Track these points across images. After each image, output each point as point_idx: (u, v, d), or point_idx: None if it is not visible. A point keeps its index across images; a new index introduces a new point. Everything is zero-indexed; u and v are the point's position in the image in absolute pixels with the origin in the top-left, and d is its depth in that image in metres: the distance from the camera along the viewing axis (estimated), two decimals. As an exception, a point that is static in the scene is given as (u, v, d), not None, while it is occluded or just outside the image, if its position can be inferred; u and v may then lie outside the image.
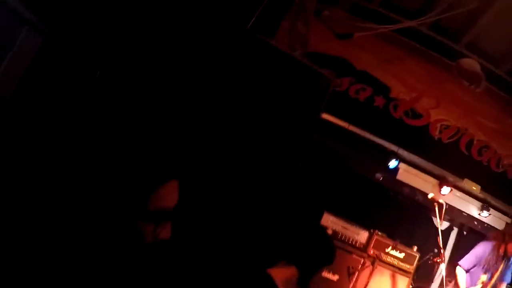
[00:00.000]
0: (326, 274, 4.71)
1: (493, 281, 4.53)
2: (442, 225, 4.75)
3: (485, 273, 4.61)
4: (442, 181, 5.96)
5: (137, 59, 2.69)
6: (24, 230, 1.42)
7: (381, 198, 5.96)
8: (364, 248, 4.92)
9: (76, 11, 2.59)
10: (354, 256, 4.87)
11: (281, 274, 2.35)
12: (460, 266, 4.72)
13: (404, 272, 4.98)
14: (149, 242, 1.37)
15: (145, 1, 2.76)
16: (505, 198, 6.10)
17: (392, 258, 4.96)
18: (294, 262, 2.40)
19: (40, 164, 2.31)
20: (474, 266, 4.66)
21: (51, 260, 1.32)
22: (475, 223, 6.19)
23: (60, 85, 2.50)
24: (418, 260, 5.05)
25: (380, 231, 5.00)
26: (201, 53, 2.88)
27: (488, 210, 6.12)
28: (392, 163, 5.84)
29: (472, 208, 6.22)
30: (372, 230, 4.99)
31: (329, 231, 4.82)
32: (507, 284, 4.66)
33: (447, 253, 5.92)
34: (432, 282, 5.77)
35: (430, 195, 4.91)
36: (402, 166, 5.97)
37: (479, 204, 6.20)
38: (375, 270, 4.85)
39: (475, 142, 6.04)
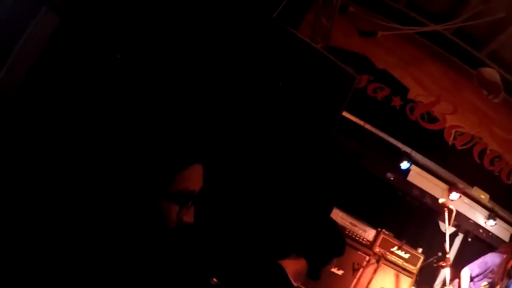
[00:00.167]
0: (331, 268, 4.73)
1: None
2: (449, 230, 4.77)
3: (488, 283, 4.62)
4: (452, 187, 5.98)
5: (161, 43, 2.63)
6: (39, 218, 1.41)
7: (390, 198, 5.98)
8: (370, 245, 4.94)
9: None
10: (359, 252, 4.89)
11: (291, 266, 2.36)
12: (468, 269, 4.74)
13: (407, 272, 5.01)
14: (173, 227, 1.35)
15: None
16: (513, 209, 6.14)
17: (397, 258, 4.98)
18: (303, 255, 2.40)
19: (61, 141, 2.29)
20: (480, 274, 4.68)
21: (68, 248, 1.30)
22: (481, 231, 6.23)
23: (77, 68, 2.44)
24: (422, 262, 5.08)
25: (387, 231, 5.02)
26: (227, 40, 2.83)
27: (494, 220, 6.15)
28: (404, 165, 5.85)
29: (478, 216, 6.26)
30: (379, 229, 5.00)
31: (338, 226, 4.84)
32: None
33: (451, 258, 5.93)
34: (434, 284, 5.80)
35: (441, 200, 4.91)
36: (414, 168, 5.97)
37: (486, 212, 6.23)
38: (380, 268, 4.87)
39: (488, 151, 6.06)
